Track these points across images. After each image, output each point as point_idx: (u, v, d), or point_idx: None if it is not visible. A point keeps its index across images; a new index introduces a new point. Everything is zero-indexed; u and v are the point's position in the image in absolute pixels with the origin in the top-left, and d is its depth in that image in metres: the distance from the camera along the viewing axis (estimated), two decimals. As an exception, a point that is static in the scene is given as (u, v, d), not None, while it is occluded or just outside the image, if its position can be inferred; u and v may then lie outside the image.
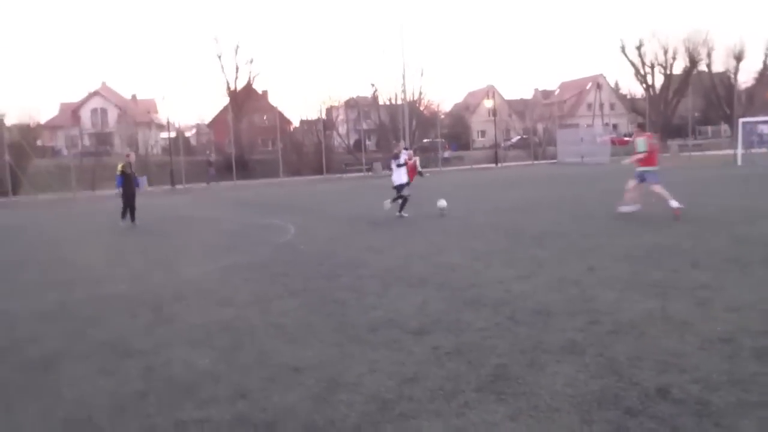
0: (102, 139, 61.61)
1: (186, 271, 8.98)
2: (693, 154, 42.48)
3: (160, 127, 65.34)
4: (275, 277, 8.07)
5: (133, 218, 15.93)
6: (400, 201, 14.42)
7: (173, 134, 44.24)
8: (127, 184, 16.00)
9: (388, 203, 14.69)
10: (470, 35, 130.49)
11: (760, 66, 72.81)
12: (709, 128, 72.02)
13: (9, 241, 14.57)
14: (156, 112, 69.02)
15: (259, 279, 8.06)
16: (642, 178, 12.43)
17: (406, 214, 14.20)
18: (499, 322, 5.44)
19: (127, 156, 17.11)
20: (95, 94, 68.28)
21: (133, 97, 73.93)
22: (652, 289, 6.25)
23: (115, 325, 6.13)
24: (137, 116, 62.69)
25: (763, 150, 39.13)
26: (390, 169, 15.18)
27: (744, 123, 34.03)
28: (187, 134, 61.29)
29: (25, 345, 5.57)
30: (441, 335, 5.15)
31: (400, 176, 14.55)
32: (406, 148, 17.61)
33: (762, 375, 3.96)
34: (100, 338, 5.64)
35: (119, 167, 16.26)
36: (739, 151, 32.21)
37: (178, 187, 36.84)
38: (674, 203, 11.63)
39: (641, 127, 13.94)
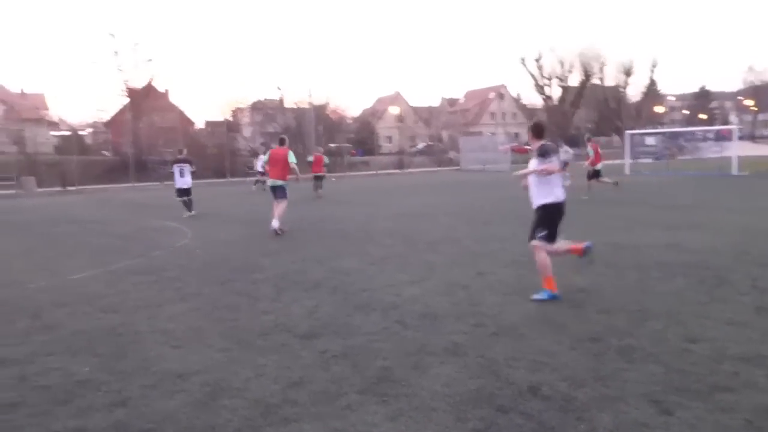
0: (-15, 135, 57.82)
1: (71, 276, 8.60)
2: (586, 163, 44.61)
3: (52, 125, 62.04)
4: (167, 282, 7.89)
5: None
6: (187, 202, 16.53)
7: (67, 132, 42.08)
8: None
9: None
10: (379, 42, 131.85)
11: (647, 81, 77.90)
12: (603, 139, 76.13)
13: None
14: (46, 108, 65.47)
15: (149, 283, 7.84)
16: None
17: (194, 212, 16.22)
18: (387, 326, 5.57)
19: None
20: (-22, 87, 63.94)
21: (21, 91, 69.61)
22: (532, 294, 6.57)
23: (-12, 333, 5.81)
24: (24, 112, 59.19)
25: (648, 160, 41.84)
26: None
27: (631, 135, 36.38)
28: (82, 133, 58.44)
29: None
30: (330, 339, 5.22)
31: (188, 180, 16.58)
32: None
33: (623, 371, 4.28)
34: (-29, 347, 5.33)
35: None
36: (627, 161, 34.30)
37: (70, 188, 35.04)
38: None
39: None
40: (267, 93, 59.22)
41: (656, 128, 61.76)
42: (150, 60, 47.37)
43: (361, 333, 5.37)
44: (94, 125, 61.18)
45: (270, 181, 12.97)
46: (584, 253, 6.66)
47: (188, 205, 16.52)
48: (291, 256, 9.57)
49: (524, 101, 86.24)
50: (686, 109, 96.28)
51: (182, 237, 12.34)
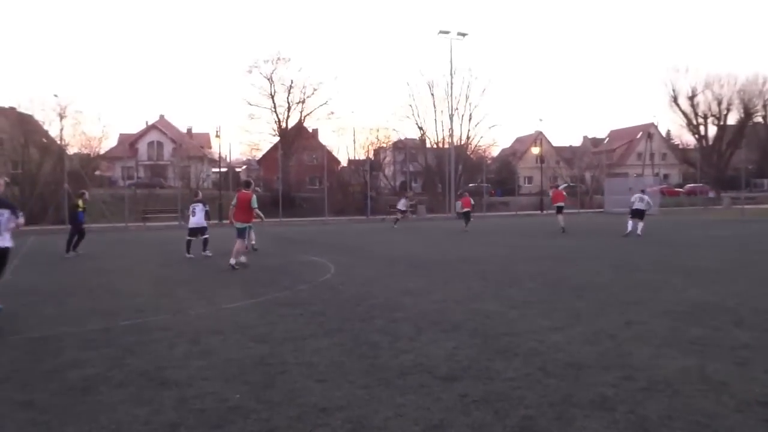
0: (156, 171, 63.63)
1: (225, 305, 9.17)
2: (746, 207, 41.36)
3: (212, 162, 67.13)
4: (311, 316, 8.18)
5: (75, 248, 17.69)
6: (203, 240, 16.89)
7: (224, 169, 45.35)
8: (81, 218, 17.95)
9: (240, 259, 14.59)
10: (521, 81, 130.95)
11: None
12: (765, 181, 70.13)
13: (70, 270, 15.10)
14: (209, 146, 71.10)
15: (295, 316, 8.17)
16: None
17: (191, 255, 16.36)
18: (529, 372, 5.41)
19: (83, 194, 18.82)
20: (153, 127, 70.89)
21: (189, 131, 76.45)
22: (691, 347, 6.13)
23: (155, 354, 6.31)
24: (191, 150, 64.61)
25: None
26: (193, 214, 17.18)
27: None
28: (237, 170, 62.71)
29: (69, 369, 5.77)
30: (470, 382, 5.15)
31: (200, 219, 16.87)
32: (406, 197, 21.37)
33: (798, 443, 3.85)
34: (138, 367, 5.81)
35: (81, 203, 18.10)
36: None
37: (225, 222, 37.50)
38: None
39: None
40: (409, 132, 60.44)
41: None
42: (301, 102, 50.09)
43: (502, 378, 5.25)
44: (248, 162, 65.64)
45: (236, 224, 13.88)
46: None
47: (201, 245, 16.91)
48: (431, 296, 9.60)
49: (675, 141, 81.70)
50: None
51: (326, 272, 12.79)
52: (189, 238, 16.93)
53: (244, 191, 14.19)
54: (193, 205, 17.48)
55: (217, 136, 47.71)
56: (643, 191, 22.74)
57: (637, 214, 21.60)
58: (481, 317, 7.87)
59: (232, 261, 13.55)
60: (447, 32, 43.67)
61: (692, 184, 64.10)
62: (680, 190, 62.00)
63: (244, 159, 65.33)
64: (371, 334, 7.06)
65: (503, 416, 4.39)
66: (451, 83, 48.75)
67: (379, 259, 15.32)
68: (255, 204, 13.94)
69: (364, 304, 8.95)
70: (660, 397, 4.71)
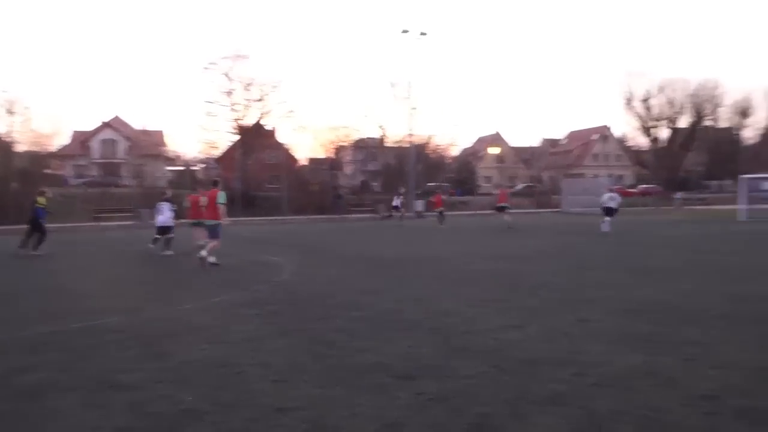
0: (110, 169, 62.30)
1: (180, 306, 9.03)
2: (696, 207, 42.59)
3: (168, 160, 66.00)
4: (269, 316, 8.12)
5: (36, 248, 17.10)
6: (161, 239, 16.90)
7: (181, 168, 44.69)
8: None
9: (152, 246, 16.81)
10: (482, 82, 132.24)
11: (766, 123, 73.48)
12: (716, 183, 72.18)
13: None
14: (165, 144, 69.81)
15: (252, 317, 8.09)
16: None
17: (153, 246, 16.59)
18: (485, 370, 5.47)
19: (44, 192, 18.42)
20: (107, 125, 69.22)
21: (143, 128, 74.69)
22: (640, 344, 6.28)
23: (107, 357, 6.18)
24: (146, 148, 63.39)
25: (767, 206, 39.20)
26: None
27: (747, 180, 34.25)
28: (194, 168, 61.84)
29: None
30: (426, 381, 5.18)
31: (166, 218, 17.04)
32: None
33: (740, 435, 3.98)
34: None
35: (42, 200, 17.61)
36: (742, 206, 32.33)
37: (183, 221, 36.95)
38: None
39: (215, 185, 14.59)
40: (369, 131, 60.35)
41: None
42: (260, 99, 49.51)
43: (459, 376, 5.29)
44: (206, 161, 64.68)
45: (206, 222, 14.11)
46: None
47: (161, 242, 16.94)
48: (389, 295, 9.62)
49: (629, 143, 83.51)
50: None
51: (284, 272, 12.70)
52: (157, 236, 16.99)
53: (213, 189, 14.16)
54: (160, 203, 17.39)
55: (173, 134, 46.91)
56: (611, 189, 24.12)
57: (609, 212, 22.74)
58: (439, 316, 7.93)
59: (204, 254, 13.58)
60: (407, 31, 43.77)
61: (645, 185, 65.66)
62: (633, 190, 63.38)
63: (202, 157, 64.36)
64: (329, 333, 7.04)
65: (459, 414, 4.43)
66: (412, 82, 48.99)
67: (338, 259, 15.30)
68: (222, 200, 13.83)
69: (322, 304, 8.93)
70: (610, 393, 4.82)
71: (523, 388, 4.95)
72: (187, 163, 63.79)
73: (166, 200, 17.61)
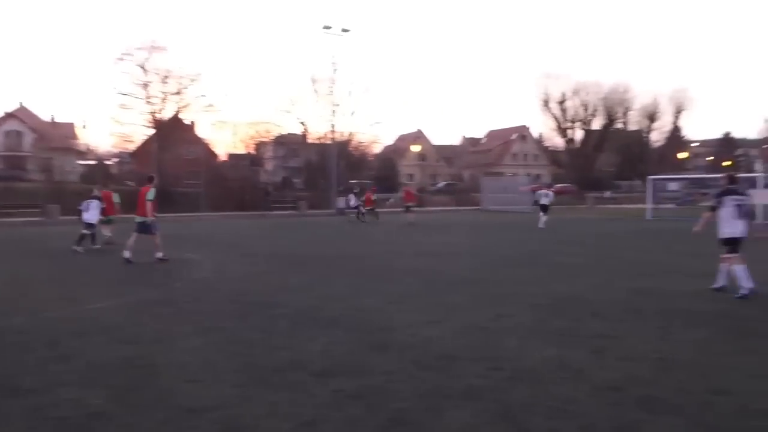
0: (15, 163, 59.07)
1: (89, 305, 8.63)
2: (608, 206, 44.50)
3: (79, 154, 63.19)
4: (185, 314, 7.89)
5: None
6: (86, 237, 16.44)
7: (93, 162, 42.86)
8: None
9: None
10: (404, 79, 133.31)
11: (671, 126, 77.67)
12: (627, 183, 75.58)
13: None
14: (75, 137, 66.75)
15: (167, 315, 7.84)
16: None
17: (80, 249, 15.88)
18: (403, 366, 5.50)
19: None
20: (11, 116, 65.46)
21: (52, 119, 71.04)
22: (553, 337, 6.49)
23: (8, 361, 5.83)
24: (55, 141, 60.41)
25: (671, 206, 41.45)
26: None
27: (653, 180, 36.17)
28: (108, 162, 59.50)
29: None
30: (344, 378, 5.16)
31: (92, 216, 16.70)
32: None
33: (643, 422, 4.17)
34: (-13, 374, 5.35)
35: None
36: (649, 206, 34.05)
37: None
38: None
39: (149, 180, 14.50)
40: (291, 127, 59.65)
41: (680, 174, 61.35)
42: (178, 93, 48.09)
43: (377, 373, 5.31)
44: (120, 155, 62.27)
45: (136, 218, 13.82)
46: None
47: (83, 239, 16.49)
48: (309, 292, 9.54)
49: (546, 143, 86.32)
50: (710, 155, 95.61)
51: (202, 269, 12.40)
52: (84, 231, 16.60)
53: (146, 186, 13.79)
54: (87, 201, 17.08)
55: (84, 126, 44.97)
56: (549, 186, 26.17)
57: (543, 209, 24.65)
58: (358, 313, 7.93)
59: (127, 254, 13.31)
60: (330, 27, 43.55)
61: (560, 185, 68.11)
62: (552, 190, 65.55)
63: (116, 151, 61.90)
64: (246, 331, 6.92)
65: (376, 410, 4.43)
66: (334, 79, 48.69)
67: (257, 256, 15.05)
68: (150, 196, 13.44)
69: (240, 302, 8.76)
70: (523, 385, 4.95)
71: (440, 383, 5.01)
72: (99, 157, 61.24)
73: (95, 198, 17.32)
